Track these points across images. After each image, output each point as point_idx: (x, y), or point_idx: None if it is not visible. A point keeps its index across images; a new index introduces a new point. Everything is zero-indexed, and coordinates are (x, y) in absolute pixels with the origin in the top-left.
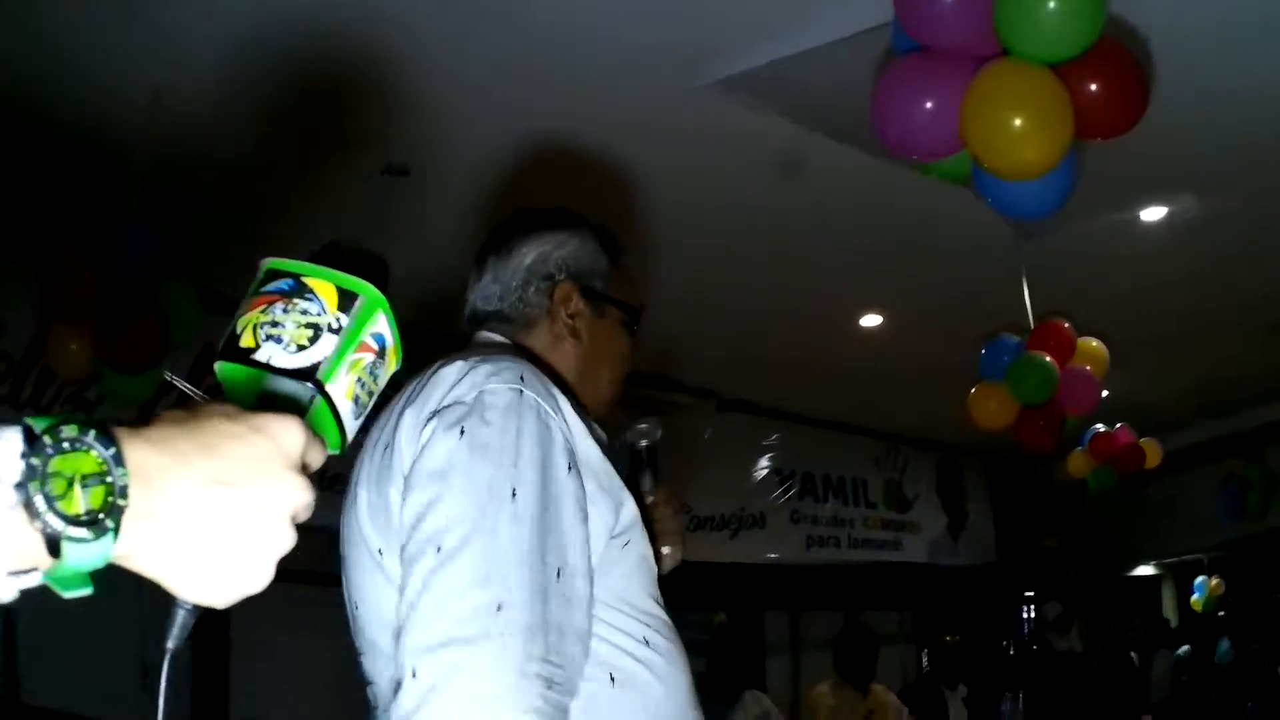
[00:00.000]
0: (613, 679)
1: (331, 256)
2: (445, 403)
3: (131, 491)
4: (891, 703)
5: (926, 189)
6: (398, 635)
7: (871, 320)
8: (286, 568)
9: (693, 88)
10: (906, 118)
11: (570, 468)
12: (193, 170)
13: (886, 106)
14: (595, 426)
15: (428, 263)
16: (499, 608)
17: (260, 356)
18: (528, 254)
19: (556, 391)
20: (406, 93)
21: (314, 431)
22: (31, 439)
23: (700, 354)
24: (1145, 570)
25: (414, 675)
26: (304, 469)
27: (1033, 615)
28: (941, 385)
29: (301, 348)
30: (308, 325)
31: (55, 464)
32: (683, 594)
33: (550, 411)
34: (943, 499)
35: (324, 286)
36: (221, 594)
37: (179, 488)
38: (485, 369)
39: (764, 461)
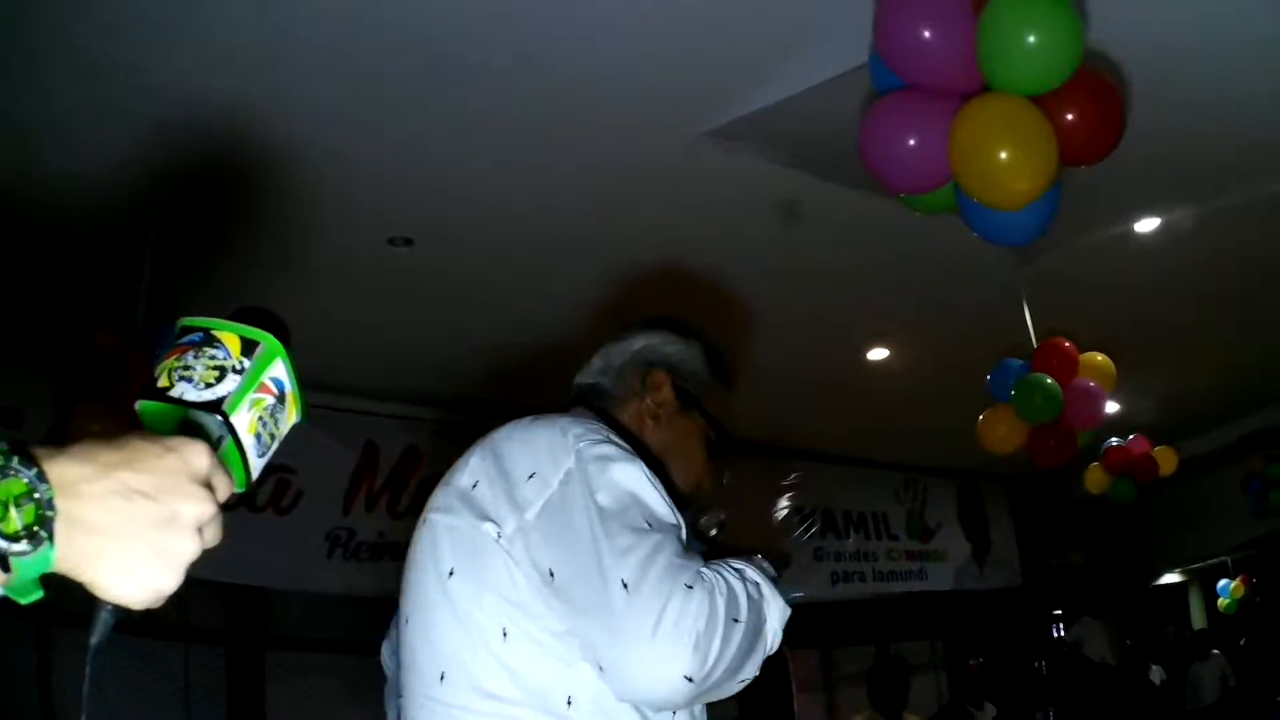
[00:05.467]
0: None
1: (241, 316)
2: (562, 472)
3: (58, 502)
4: None
5: (920, 221)
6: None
7: (878, 354)
8: (332, 638)
9: (686, 139)
10: (895, 155)
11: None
12: (199, 254)
13: (874, 145)
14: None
15: (441, 331)
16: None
17: (174, 393)
18: (637, 342)
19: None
20: (406, 165)
21: (222, 464)
22: None
23: None
24: (1171, 578)
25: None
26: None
27: (1063, 633)
28: (954, 412)
29: (209, 385)
30: (215, 367)
31: None
32: None
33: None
34: (965, 526)
35: (229, 337)
36: (138, 594)
37: (101, 495)
38: (575, 430)
39: (784, 501)
